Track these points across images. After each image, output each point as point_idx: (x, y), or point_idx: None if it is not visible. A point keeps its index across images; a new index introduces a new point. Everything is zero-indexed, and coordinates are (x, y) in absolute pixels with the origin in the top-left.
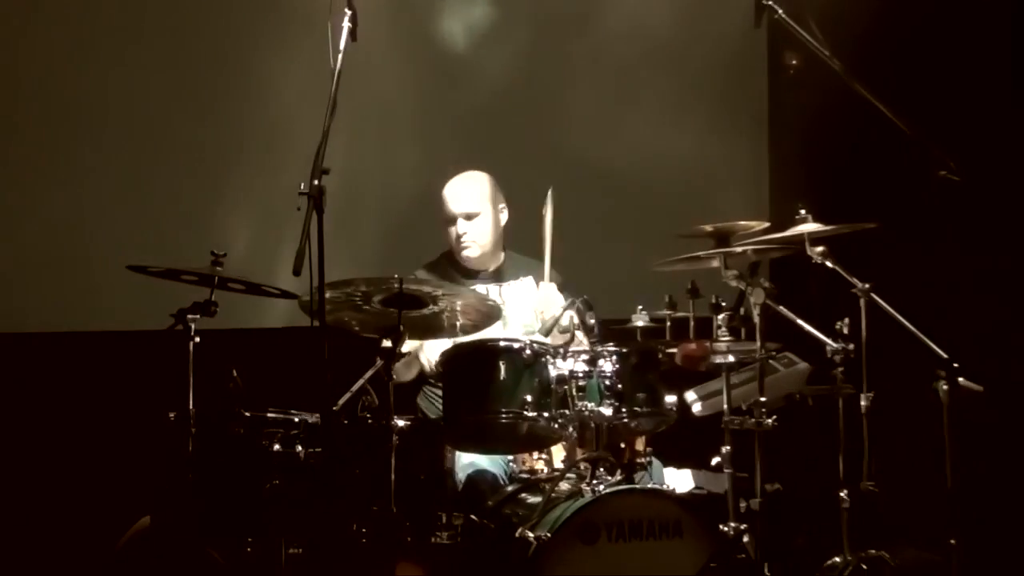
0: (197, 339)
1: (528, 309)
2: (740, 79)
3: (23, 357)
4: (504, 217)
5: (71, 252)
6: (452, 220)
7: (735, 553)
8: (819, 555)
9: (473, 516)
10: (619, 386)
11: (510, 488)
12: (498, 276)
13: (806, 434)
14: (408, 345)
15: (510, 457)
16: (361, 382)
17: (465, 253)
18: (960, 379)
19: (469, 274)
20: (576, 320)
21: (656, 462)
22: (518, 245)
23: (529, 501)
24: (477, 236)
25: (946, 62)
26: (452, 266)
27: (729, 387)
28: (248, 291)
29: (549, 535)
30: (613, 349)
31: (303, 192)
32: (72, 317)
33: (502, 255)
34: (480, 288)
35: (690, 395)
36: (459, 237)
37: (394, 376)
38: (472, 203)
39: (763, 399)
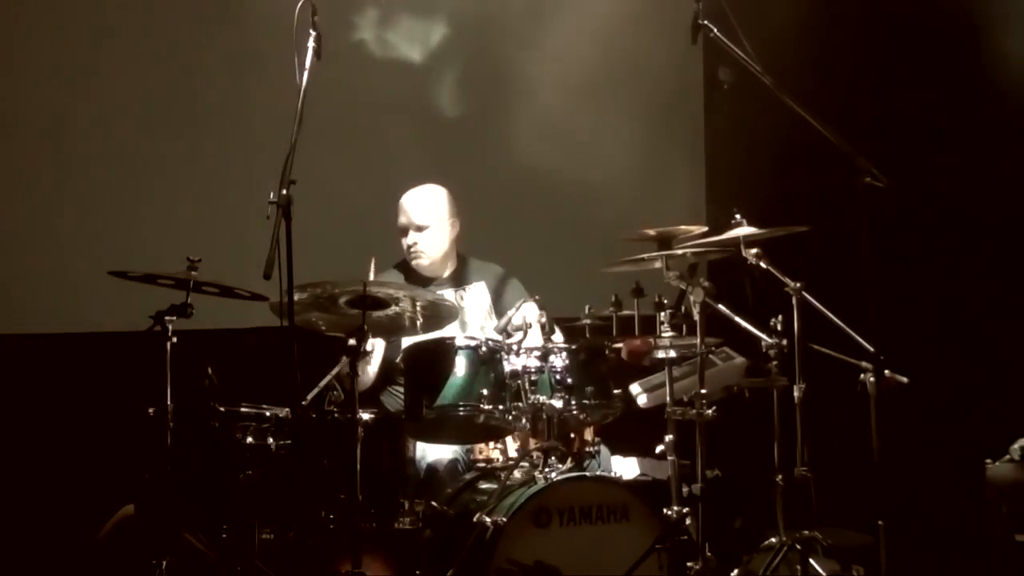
0: (174, 339)
1: (481, 312)
2: (678, 93)
3: (11, 357)
4: (456, 230)
5: (55, 258)
6: (404, 231)
7: (678, 535)
8: (756, 535)
9: (433, 503)
10: (569, 380)
11: (468, 476)
12: (453, 281)
13: (744, 424)
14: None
15: (468, 447)
16: (328, 378)
17: (414, 262)
18: (886, 371)
19: (425, 281)
20: (528, 319)
21: (604, 450)
22: (476, 250)
23: (486, 488)
24: (426, 247)
25: (871, 77)
26: (411, 272)
27: (671, 380)
28: (222, 294)
29: (505, 519)
30: (563, 345)
31: (272, 201)
32: (57, 319)
33: (454, 263)
34: (439, 291)
35: (635, 388)
36: (409, 247)
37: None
38: (423, 216)
39: (703, 391)
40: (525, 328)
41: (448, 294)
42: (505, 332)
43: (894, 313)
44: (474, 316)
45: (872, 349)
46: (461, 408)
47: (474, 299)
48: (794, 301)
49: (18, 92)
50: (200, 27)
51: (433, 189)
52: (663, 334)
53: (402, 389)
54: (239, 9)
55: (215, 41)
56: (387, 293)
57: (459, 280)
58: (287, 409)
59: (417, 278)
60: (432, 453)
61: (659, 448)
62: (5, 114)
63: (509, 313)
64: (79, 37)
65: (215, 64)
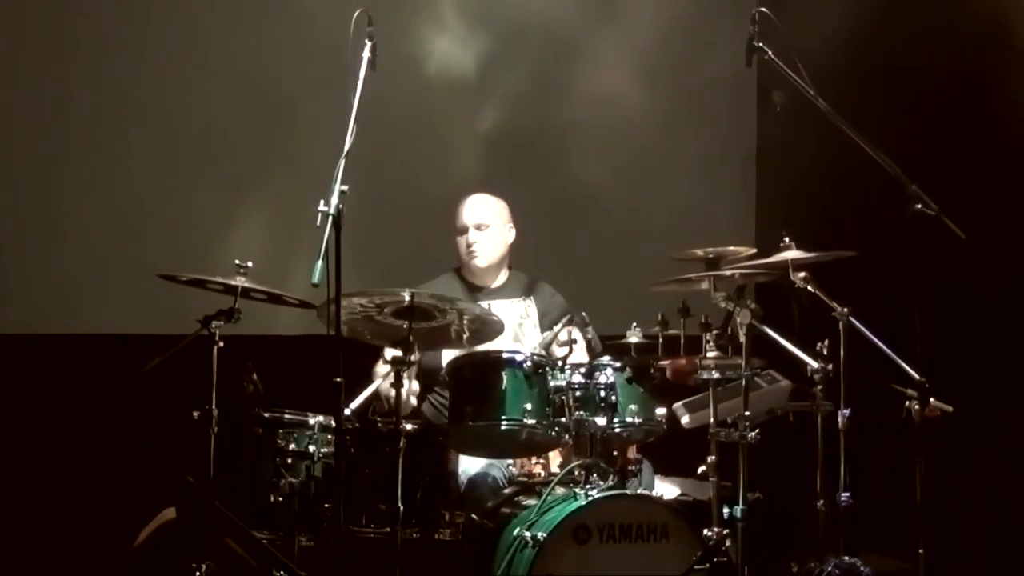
0: (221, 344)
1: (533, 326)
2: (731, 114)
3: (60, 357)
4: (511, 237)
5: (107, 260)
6: (464, 230)
7: (718, 556)
8: (796, 560)
9: (474, 515)
10: (613, 397)
11: (509, 490)
12: (517, 292)
13: (786, 447)
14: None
15: (510, 461)
16: (372, 388)
17: (473, 262)
18: (931, 399)
19: (474, 289)
20: (574, 335)
21: (647, 468)
22: (524, 264)
23: (527, 503)
24: (485, 247)
25: (926, 102)
26: (459, 281)
27: (716, 401)
28: (269, 300)
29: (544, 535)
30: (608, 363)
31: (322, 210)
32: (106, 321)
33: (506, 273)
34: (484, 304)
35: (679, 408)
36: (469, 246)
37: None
38: (484, 216)
39: (747, 413)
40: (570, 344)
41: (509, 304)
42: (548, 348)
43: (942, 341)
44: (530, 328)
45: (918, 376)
46: (504, 422)
47: (532, 312)
48: (841, 326)
49: (73, 97)
50: (254, 32)
51: (493, 196)
52: (708, 355)
53: (445, 396)
54: (294, 15)
55: (269, 45)
56: (434, 305)
57: (525, 291)
58: (331, 417)
59: (462, 289)
60: (474, 466)
61: (701, 469)
62: (57, 117)
63: (555, 329)
64: (129, 41)
65: (268, 69)
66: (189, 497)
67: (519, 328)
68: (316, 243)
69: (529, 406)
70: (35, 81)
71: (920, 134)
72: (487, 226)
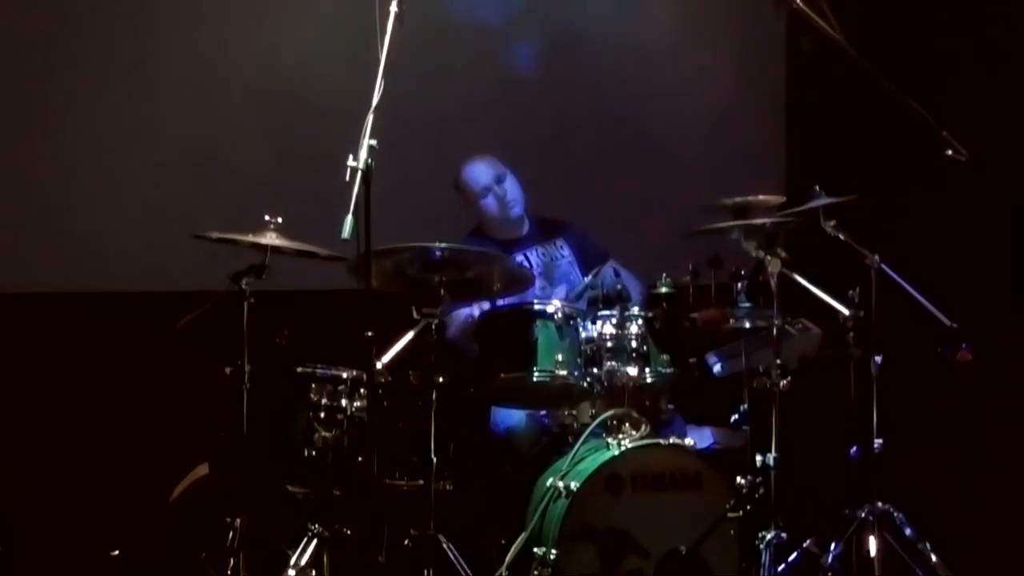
0: (252, 300)
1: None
2: (759, 61)
3: (91, 314)
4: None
5: (137, 216)
6: (487, 190)
7: (751, 504)
8: (830, 507)
9: (507, 467)
10: (644, 348)
11: (542, 442)
12: (541, 236)
13: (819, 394)
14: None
15: (543, 412)
16: (405, 341)
17: (513, 212)
18: (963, 345)
19: (503, 243)
20: (606, 285)
21: (678, 418)
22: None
23: (560, 453)
24: (515, 193)
25: (955, 47)
26: (486, 239)
27: (748, 350)
28: (299, 255)
29: (578, 485)
30: (639, 313)
31: (351, 165)
32: (137, 277)
33: (528, 220)
34: (519, 255)
35: (711, 357)
36: (502, 199)
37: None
38: (495, 168)
39: (779, 361)
40: (602, 294)
41: (542, 249)
42: (585, 296)
43: (973, 285)
44: (567, 266)
45: (949, 323)
46: (537, 373)
47: (567, 251)
48: (872, 273)
49: (103, 50)
50: None
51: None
52: (740, 304)
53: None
54: None
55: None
56: (465, 258)
57: (551, 232)
58: (363, 371)
59: (499, 241)
60: (507, 418)
61: (734, 417)
62: (85, 72)
63: (586, 280)
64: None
65: (296, 23)
66: (222, 453)
67: (553, 268)
68: (349, 196)
69: (560, 357)
70: (68, 38)
71: (952, 78)
72: (504, 175)
